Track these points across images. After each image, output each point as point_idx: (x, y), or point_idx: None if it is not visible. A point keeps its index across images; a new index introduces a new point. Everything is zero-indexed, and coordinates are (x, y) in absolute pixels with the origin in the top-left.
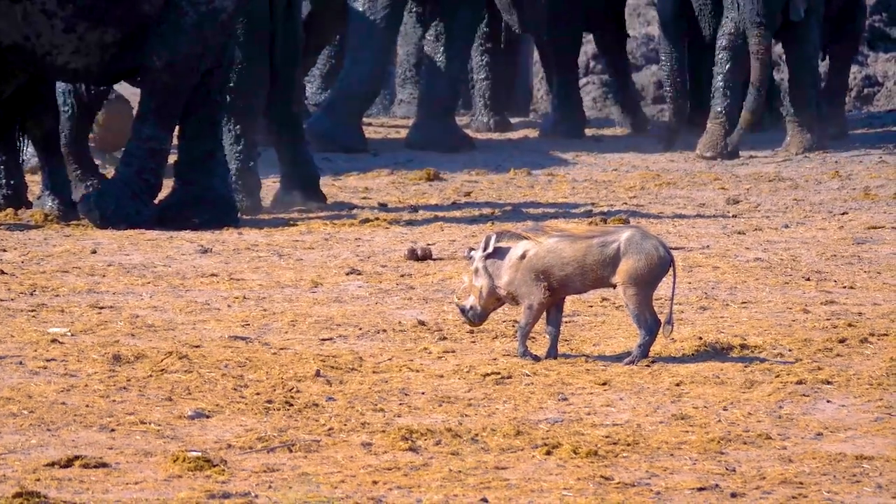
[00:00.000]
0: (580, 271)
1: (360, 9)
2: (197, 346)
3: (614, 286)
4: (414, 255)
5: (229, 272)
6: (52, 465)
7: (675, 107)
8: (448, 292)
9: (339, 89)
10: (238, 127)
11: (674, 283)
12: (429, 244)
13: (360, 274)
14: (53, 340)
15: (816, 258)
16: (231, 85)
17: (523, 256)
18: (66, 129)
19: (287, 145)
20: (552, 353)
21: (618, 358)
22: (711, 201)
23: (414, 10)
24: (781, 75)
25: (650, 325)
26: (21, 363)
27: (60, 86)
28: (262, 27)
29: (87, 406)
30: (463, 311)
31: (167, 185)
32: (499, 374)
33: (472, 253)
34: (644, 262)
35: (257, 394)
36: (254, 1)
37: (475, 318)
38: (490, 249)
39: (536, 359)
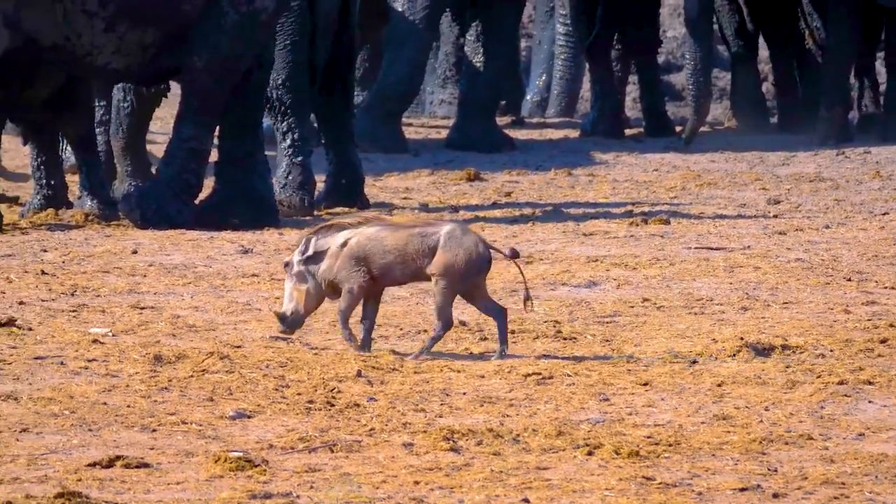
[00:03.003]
0: (401, 260)
1: (400, 9)
2: (238, 347)
3: (430, 278)
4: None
5: (270, 272)
6: (93, 465)
7: (695, 105)
8: (490, 292)
9: (378, 90)
10: (286, 124)
11: (520, 270)
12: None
13: None
14: (94, 341)
15: (857, 258)
16: (279, 83)
17: (344, 244)
18: (125, 124)
19: (335, 146)
20: (365, 345)
21: (659, 358)
22: (752, 202)
23: (453, 10)
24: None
25: (448, 320)
26: (62, 363)
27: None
28: (303, 25)
29: (129, 406)
30: (282, 318)
31: (208, 186)
32: (540, 374)
33: (290, 259)
34: (462, 256)
35: (298, 394)
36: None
37: (296, 323)
38: (310, 252)
39: (355, 342)
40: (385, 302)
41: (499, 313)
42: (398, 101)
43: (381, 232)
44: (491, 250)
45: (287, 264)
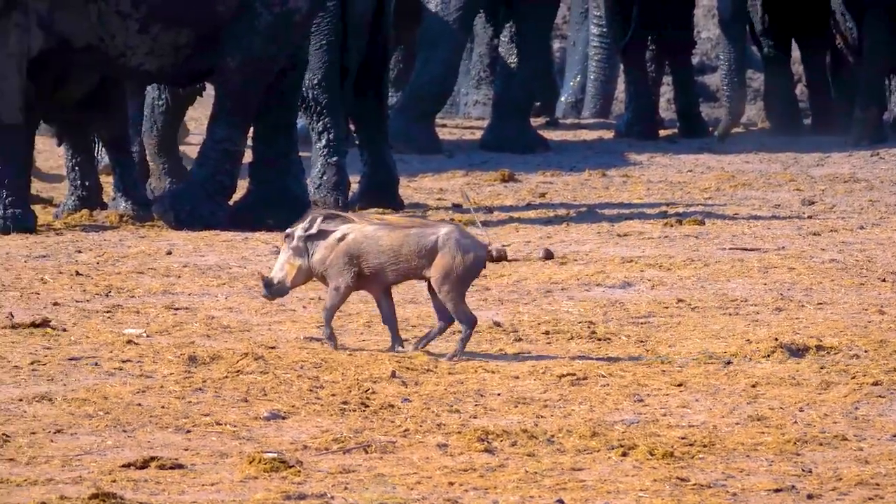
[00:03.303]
0: (394, 261)
1: (433, 9)
2: (272, 348)
3: (427, 280)
4: (489, 256)
5: None
6: (127, 466)
7: (730, 105)
8: (524, 293)
9: (411, 90)
10: (321, 124)
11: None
12: (504, 245)
13: None
14: (129, 341)
15: (892, 259)
16: (314, 83)
17: (342, 239)
18: (160, 123)
19: (370, 147)
20: (397, 343)
21: (694, 359)
22: (786, 202)
23: (487, 10)
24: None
25: (469, 319)
26: (97, 364)
27: None
28: (334, 25)
29: (163, 407)
30: (268, 284)
31: (242, 187)
32: (574, 375)
33: (292, 231)
34: (460, 258)
35: (333, 395)
36: (326, 0)
37: (278, 293)
38: (314, 230)
39: (335, 341)
40: (419, 303)
41: (448, 319)
42: (431, 101)
43: (377, 231)
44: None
45: (288, 235)
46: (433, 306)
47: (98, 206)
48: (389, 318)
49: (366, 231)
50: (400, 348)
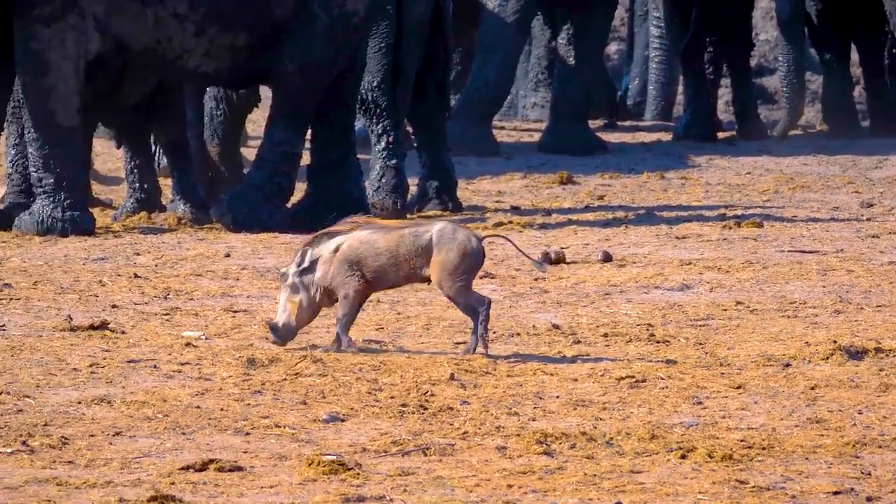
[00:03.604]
0: (393, 262)
1: (491, 13)
2: (332, 350)
3: (428, 280)
4: (547, 259)
5: None
6: (186, 468)
7: (789, 106)
8: (583, 296)
9: (468, 93)
10: (380, 127)
11: (514, 245)
12: (562, 248)
13: (493, 277)
14: (188, 344)
15: None
16: (374, 85)
17: (336, 250)
18: (219, 132)
19: (428, 149)
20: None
21: (753, 361)
22: (845, 205)
23: (544, 13)
24: None
25: (482, 301)
26: (155, 367)
27: (212, 90)
28: (392, 28)
29: (222, 409)
30: (274, 329)
31: (300, 189)
32: (633, 377)
33: (285, 270)
34: (456, 252)
35: (392, 397)
36: (384, 3)
37: (287, 335)
38: (306, 264)
39: (354, 349)
40: None
41: (481, 303)
42: (488, 104)
43: (372, 235)
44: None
45: (283, 275)
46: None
47: (157, 208)
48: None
49: (360, 237)
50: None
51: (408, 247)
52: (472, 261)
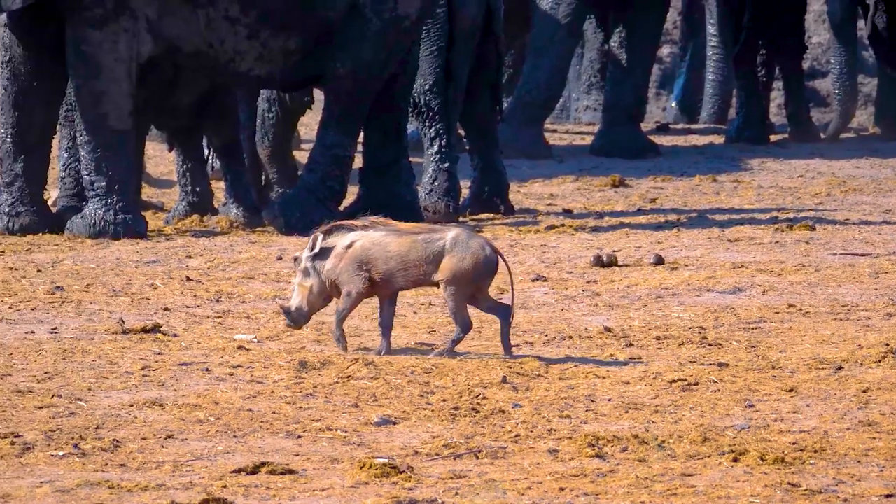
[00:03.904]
0: (402, 266)
1: (542, 16)
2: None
3: (437, 285)
4: (600, 262)
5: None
6: (238, 471)
7: (841, 109)
8: (635, 298)
9: (518, 96)
10: (433, 130)
11: (511, 277)
12: (614, 250)
13: (545, 280)
14: (240, 347)
15: None
16: (426, 88)
17: (350, 246)
18: (271, 134)
19: (480, 152)
20: (384, 348)
21: (805, 364)
22: None
23: (597, 16)
24: None
25: (465, 323)
26: (207, 370)
27: (265, 92)
28: (444, 31)
29: (274, 412)
30: (287, 312)
31: (352, 192)
32: (685, 380)
33: (299, 254)
34: (469, 260)
35: (443, 400)
36: (435, 6)
37: (300, 318)
38: (317, 249)
39: (344, 343)
40: (530, 308)
41: (503, 312)
42: (539, 108)
43: (386, 237)
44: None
45: (296, 259)
46: (483, 309)
47: (209, 211)
48: (387, 324)
49: (374, 237)
50: (384, 353)
51: (419, 252)
52: (483, 269)
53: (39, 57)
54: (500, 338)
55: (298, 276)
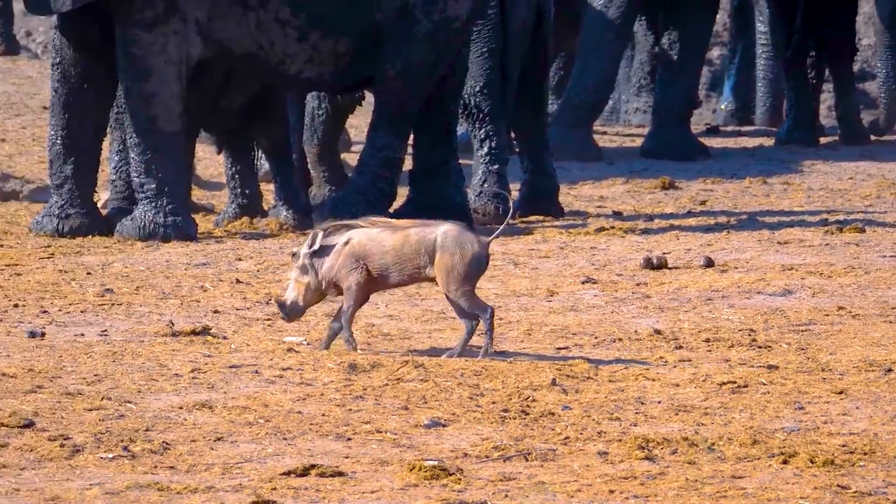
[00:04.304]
0: (398, 261)
1: (592, 18)
2: (433, 355)
3: (433, 280)
4: (649, 264)
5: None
6: (288, 473)
7: (887, 113)
8: (684, 301)
9: (567, 99)
10: (483, 132)
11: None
12: (664, 253)
13: (595, 283)
14: (289, 349)
15: None
16: (476, 90)
17: (347, 243)
18: (320, 132)
19: (530, 154)
20: (326, 345)
21: (854, 366)
22: None
23: (647, 18)
24: None
25: (484, 307)
26: (257, 372)
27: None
28: (495, 32)
29: (323, 415)
30: (282, 306)
31: (402, 194)
32: (735, 382)
33: (297, 250)
34: (459, 256)
35: (493, 402)
36: (486, 8)
37: (294, 313)
38: (316, 246)
39: (354, 344)
40: (580, 310)
41: (484, 310)
42: (586, 110)
43: (381, 233)
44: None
45: (294, 255)
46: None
47: (258, 213)
48: (337, 329)
49: (370, 233)
50: (322, 349)
51: (412, 247)
52: (475, 264)
53: (90, 59)
54: (485, 336)
55: (296, 271)
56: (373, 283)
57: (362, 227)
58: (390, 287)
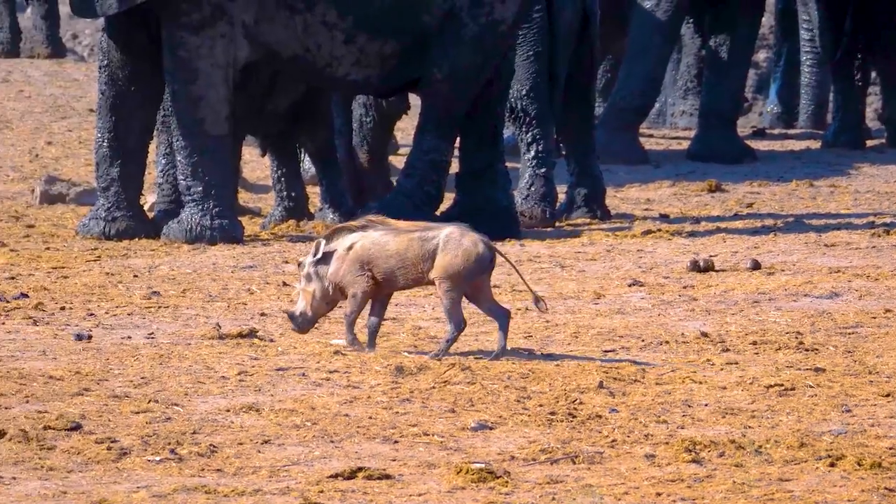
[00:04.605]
0: (401, 265)
1: (639, 22)
2: (479, 358)
3: (433, 283)
4: (696, 267)
5: (511, 283)
6: (335, 476)
7: None
8: (731, 304)
9: (613, 102)
10: (530, 135)
11: (515, 269)
12: (711, 255)
13: (642, 285)
14: (336, 352)
15: None
16: (523, 93)
17: (350, 248)
18: (368, 138)
19: (577, 157)
20: (371, 345)
21: None
22: None
23: (694, 20)
24: None
25: (459, 321)
26: (304, 375)
27: (361, 97)
28: (541, 36)
29: (370, 418)
30: (292, 316)
31: (448, 198)
32: (782, 385)
33: (303, 259)
34: (461, 258)
35: (540, 405)
36: (533, 10)
37: (304, 323)
38: (319, 255)
39: (359, 346)
40: (626, 313)
41: (502, 315)
42: (633, 114)
43: (384, 236)
44: (496, 250)
45: (300, 264)
46: (483, 310)
47: (304, 216)
48: (375, 324)
49: (373, 237)
50: (369, 351)
51: (416, 250)
52: (475, 266)
53: (137, 61)
54: (498, 340)
55: (302, 281)
56: (378, 287)
57: (359, 228)
58: (395, 290)
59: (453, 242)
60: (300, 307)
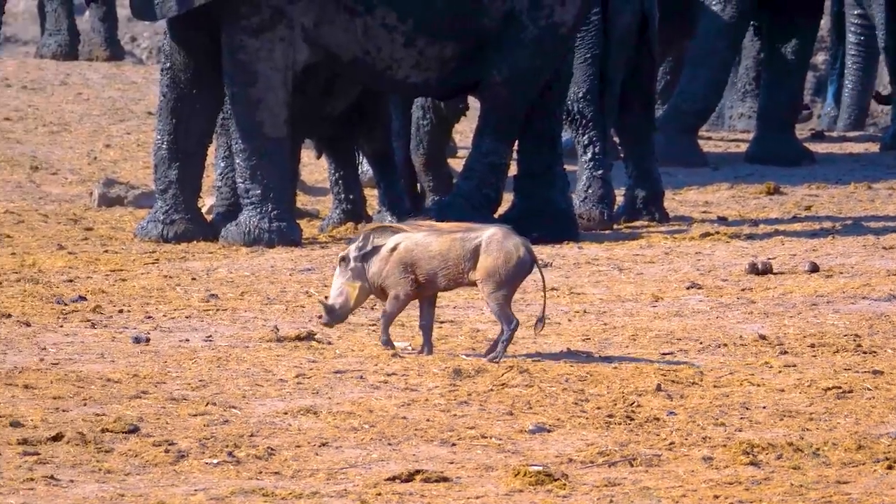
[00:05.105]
0: (443, 266)
1: (705, 26)
2: (537, 360)
3: (474, 284)
4: (755, 269)
5: (569, 286)
6: (392, 479)
7: None
8: (790, 306)
9: (673, 105)
10: (587, 137)
11: (543, 283)
12: (769, 258)
13: (700, 288)
14: (394, 355)
15: None
16: (580, 96)
17: (394, 249)
18: (425, 141)
19: (636, 159)
20: (427, 348)
21: None
22: None
23: (753, 23)
24: None
25: (510, 320)
26: (362, 377)
27: (419, 100)
28: (598, 38)
29: (428, 420)
30: (331, 310)
31: (507, 200)
32: (840, 388)
33: (345, 253)
34: (503, 260)
35: (598, 408)
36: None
37: (340, 317)
38: (368, 248)
39: (392, 347)
40: (685, 315)
41: (509, 322)
42: (693, 117)
43: (427, 237)
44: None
45: (343, 259)
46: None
47: (362, 219)
48: (427, 327)
49: (416, 238)
50: (426, 353)
51: (458, 251)
52: (517, 269)
53: (199, 64)
54: (500, 342)
55: (346, 274)
56: (419, 288)
57: (406, 230)
58: (436, 291)
59: (496, 244)
60: (340, 300)
